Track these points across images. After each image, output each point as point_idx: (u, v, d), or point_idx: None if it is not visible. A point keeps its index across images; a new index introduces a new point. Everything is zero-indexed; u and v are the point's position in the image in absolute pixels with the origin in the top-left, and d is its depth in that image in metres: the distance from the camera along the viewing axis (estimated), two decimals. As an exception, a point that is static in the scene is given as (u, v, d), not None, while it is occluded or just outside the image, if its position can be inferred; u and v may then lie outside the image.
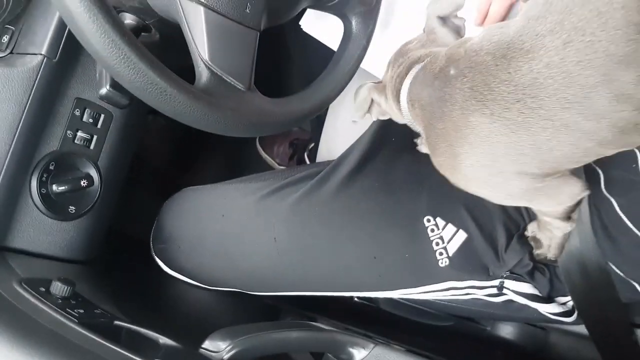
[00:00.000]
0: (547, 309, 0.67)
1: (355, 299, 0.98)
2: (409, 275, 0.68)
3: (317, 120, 1.06)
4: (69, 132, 0.61)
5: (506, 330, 0.89)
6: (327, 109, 0.90)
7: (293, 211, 0.69)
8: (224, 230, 0.71)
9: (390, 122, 0.61)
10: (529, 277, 0.65)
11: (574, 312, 0.68)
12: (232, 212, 0.72)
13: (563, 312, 0.67)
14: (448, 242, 0.66)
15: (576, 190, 0.52)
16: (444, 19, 0.60)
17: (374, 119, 0.63)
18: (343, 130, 0.85)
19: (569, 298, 0.68)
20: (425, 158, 0.57)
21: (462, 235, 0.66)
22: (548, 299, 0.67)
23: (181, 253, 0.73)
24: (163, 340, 0.50)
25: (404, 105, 0.55)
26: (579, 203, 0.56)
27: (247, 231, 0.70)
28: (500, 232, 0.66)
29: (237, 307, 0.86)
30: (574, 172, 0.52)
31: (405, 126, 0.58)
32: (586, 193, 0.53)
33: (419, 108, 0.53)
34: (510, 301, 0.70)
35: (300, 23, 0.79)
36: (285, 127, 0.57)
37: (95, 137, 0.63)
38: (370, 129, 0.73)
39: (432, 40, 0.58)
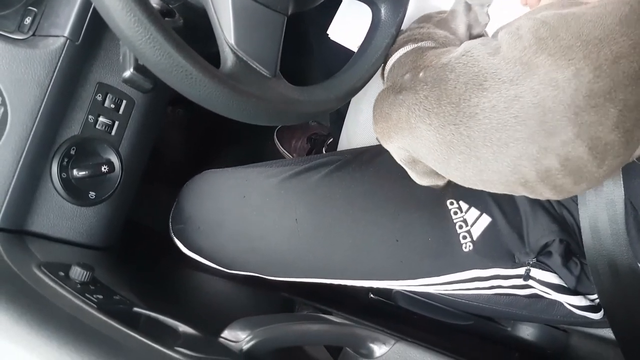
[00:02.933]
0: (573, 301, 0.65)
1: (371, 295, 0.97)
2: (432, 261, 0.66)
3: (336, 115, 1.05)
4: (90, 117, 0.60)
5: (527, 332, 0.87)
6: (348, 103, 0.89)
7: (315, 192, 0.68)
8: (245, 212, 0.70)
9: None
10: (562, 265, 0.64)
11: (601, 309, 0.66)
12: (253, 193, 0.70)
13: (589, 306, 0.66)
14: (472, 226, 0.65)
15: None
16: (469, 7, 0.64)
17: None
18: (365, 124, 0.83)
19: (595, 296, 0.67)
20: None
21: (485, 219, 0.65)
22: (574, 292, 0.65)
23: (200, 234, 0.72)
24: (183, 328, 0.49)
25: (389, 65, 0.62)
26: None
27: (268, 212, 0.69)
28: (525, 217, 0.64)
29: (253, 299, 0.85)
30: None
31: None
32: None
33: (389, 78, 0.61)
34: (535, 297, 0.68)
35: (327, 32, 0.78)
36: (309, 117, 0.56)
37: (116, 123, 0.62)
38: None
39: (447, 21, 0.64)
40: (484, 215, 0.65)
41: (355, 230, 0.67)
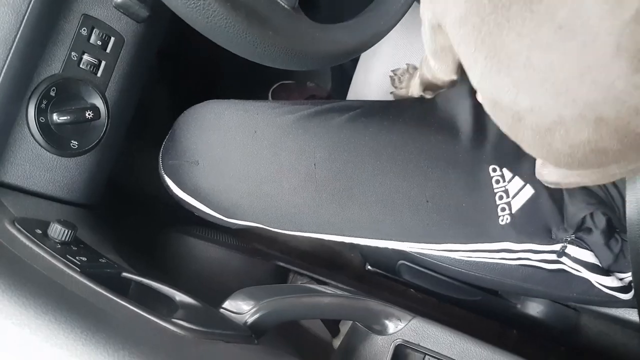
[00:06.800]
0: (604, 282, 0.60)
1: (368, 267, 0.92)
2: (462, 228, 0.60)
3: (340, 74, 0.98)
4: (73, 53, 0.52)
5: (537, 309, 0.83)
6: (357, 59, 0.82)
7: (338, 135, 0.60)
8: (255, 149, 0.60)
9: None
10: (604, 244, 0.58)
11: (630, 290, 0.62)
12: (266, 130, 0.60)
13: (620, 287, 0.61)
14: (513, 197, 0.58)
15: None
16: None
17: None
18: (376, 85, 0.75)
19: (624, 275, 0.62)
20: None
21: (528, 191, 0.58)
22: (607, 272, 0.60)
23: (199, 171, 0.62)
24: (180, 297, 0.43)
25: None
26: None
27: (282, 153, 0.60)
28: (565, 189, 0.58)
29: (246, 268, 0.79)
30: None
31: None
32: None
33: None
34: (558, 272, 0.63)
35: None
36: (328, 61, 0.49)
37: (103, 63, 0.55)
38: None
39: None
40: (528, 186, 0.59)
41: (381, 184, 0.59)
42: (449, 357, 0.54)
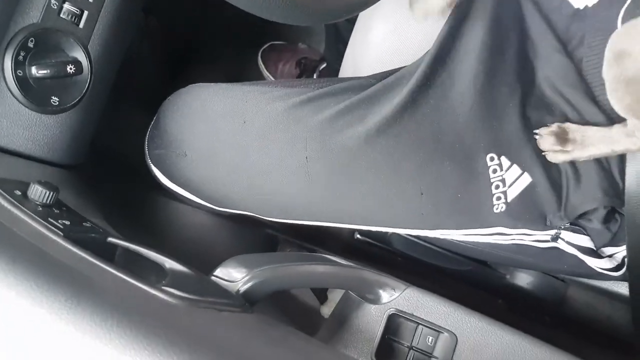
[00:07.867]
0: (597, 264, 0.59)
1: (357, 235, 0.91)
2: (457, 217, 0.58)
3: (334, 35, 0.95)
4: (53, 2, 0.49)
5: (526, 280, 0.83)
6: (355, 18, 0.78)
7: (331, 127, 0.57)
8: (245, 141, 0.58)
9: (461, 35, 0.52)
10: (603, 228, 0.57)
11: (622, 267, 0.61)
12: (256, 119, 0.58)
13: (612, 267, 0.60)
14: (509, 186, 0.57)
15: None
16: None
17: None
18: (376, 46, 0.71)
19: (616, 250, 0.61)
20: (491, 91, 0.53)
21: (525, 180, 0.57)
22: (601, 255, 0.60)
23: (187, 162, 0.60)
24: (170, 264, 0.41)
25: None
26: None
27: (272, 145, 0.58)
28: (565, 177, 0.57)
29: (236, 234, 0.77)
30: None
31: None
32: None
33: None
34: (552, 249, 0.63)
35: None
36: (332, 16, 0.46)
37: (86, 13, 0.51)
38: (437, 45, 0.59)
39: None
40: (525, 174, 0.57)
41: (375, 177, 0.57)
42: (443, 327, 0.53)
